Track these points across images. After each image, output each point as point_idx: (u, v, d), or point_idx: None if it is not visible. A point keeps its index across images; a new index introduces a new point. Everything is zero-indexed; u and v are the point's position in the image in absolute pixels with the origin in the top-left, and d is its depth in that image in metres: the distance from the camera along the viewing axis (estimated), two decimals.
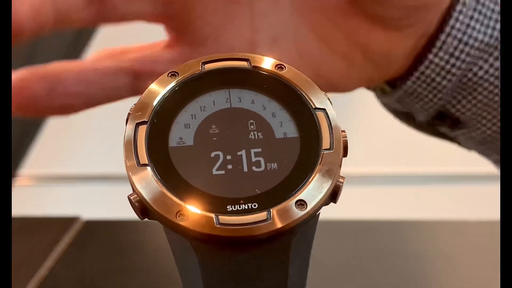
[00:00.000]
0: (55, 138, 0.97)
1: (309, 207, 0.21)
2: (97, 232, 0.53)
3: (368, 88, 0.36)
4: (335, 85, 0.34)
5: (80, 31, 1.03)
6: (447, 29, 0.33)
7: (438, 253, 0.44)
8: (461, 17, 0.33)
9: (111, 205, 0.96)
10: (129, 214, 0.47)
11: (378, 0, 0.32)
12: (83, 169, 0.98)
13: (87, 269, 0.47)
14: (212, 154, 0.22)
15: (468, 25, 0.33)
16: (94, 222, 0.54)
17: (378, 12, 0.32)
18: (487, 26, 0.33)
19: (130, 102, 0.24)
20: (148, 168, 0.22)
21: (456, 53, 0.33)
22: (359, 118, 0.96)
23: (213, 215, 0.21)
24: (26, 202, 0.93)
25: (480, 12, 0.33)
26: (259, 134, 0.23)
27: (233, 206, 0.21)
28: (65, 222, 0.53)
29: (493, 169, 0.38)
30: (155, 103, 0.23)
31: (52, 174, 0.98)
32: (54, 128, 0.95)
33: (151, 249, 0.50)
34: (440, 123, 0.36)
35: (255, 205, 0.21)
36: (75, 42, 1.04)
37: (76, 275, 0.46)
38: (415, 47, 0.33)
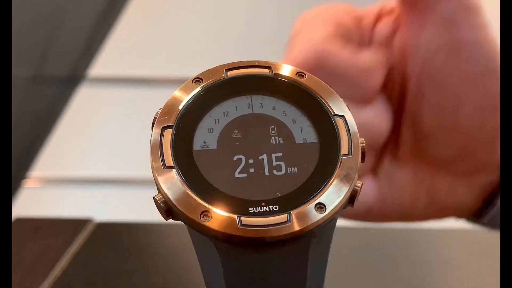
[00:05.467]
0: (67, 141, 0.97)
1: (328, 210, 0.22)
2: (109, 234, 0.53)
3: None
4: (402, 217, 0.37)
5: None
6: None
7: (440, 261, 0.44)
8: None
9: (124, 208, 0.96)
10: (141, 216, 0.47)
11: (430, 142, 0.34)
12: (96, 172, 0.98)
13: (100, 270, 0.47)
14: (235, 158, 0.23)
15: None
16: (107, 224, 0.54)
17: (435, 153, 0.34)
18: None
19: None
20: (174, 170, 0.22)
21: None
22: None
23: (235, 216, 0.22)
24: (39, 203, 0.93)
25: None
26: (280, 139, 0.23)
27: (254, 208, 0.22)
28: (78, 224, 0.54)
29: None
30: (180, 107, 0.24)
31: (64, 176, 0.98)
32: (66, 131, 0.96)
33: (163, 251, 0.50)
34: None
35: (276, 208, 0.22)
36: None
37: (89, 276, 0.46)
38: (482, 194, 0.35)
